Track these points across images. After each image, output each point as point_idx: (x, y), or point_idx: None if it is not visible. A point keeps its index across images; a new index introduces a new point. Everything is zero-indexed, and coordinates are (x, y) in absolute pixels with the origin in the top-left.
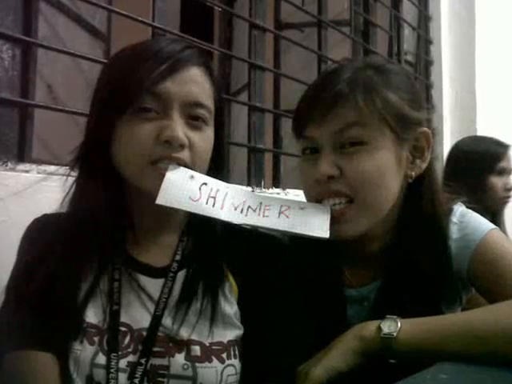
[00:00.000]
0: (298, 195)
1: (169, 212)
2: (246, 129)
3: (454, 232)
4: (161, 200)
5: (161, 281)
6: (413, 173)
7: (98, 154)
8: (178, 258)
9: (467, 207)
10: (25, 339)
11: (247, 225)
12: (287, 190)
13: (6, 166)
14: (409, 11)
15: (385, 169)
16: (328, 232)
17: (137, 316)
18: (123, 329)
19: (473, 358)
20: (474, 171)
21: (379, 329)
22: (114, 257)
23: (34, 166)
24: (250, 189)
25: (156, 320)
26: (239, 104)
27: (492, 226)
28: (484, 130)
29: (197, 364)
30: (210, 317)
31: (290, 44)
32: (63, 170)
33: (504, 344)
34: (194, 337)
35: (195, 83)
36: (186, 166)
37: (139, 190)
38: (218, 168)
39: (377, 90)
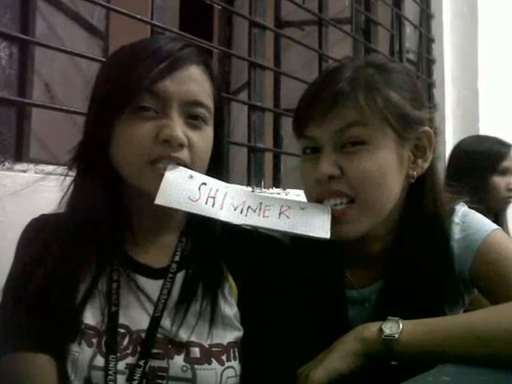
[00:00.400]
0: (299, 195)
1: (168, 212)
2: (245, 128)
3: (456, 232)
4: (160, 200)
5: (160, 282)
6: (414, 173)
7: (97, 154)
8: (177, 258)
9: (469, 207)
10: (22, 341)
11: (247, 225)
12: (287, 190)
13: (4, 165)
14: (410, 9)
15: (386, 168)
16: (329, 232)
17: (135, 317)
18: (122, 330)
19: (475, 359)
20: (477, 171)
21: (381, 330)
22: (113, 257)
23: (31, 166)
24: (249, 189)
25: (155, 321)
26: (239, 103)
27: (495, 226)
28: (486, 129)
29: (196, 366)
30: (209, 318)
31: (290, 42)
32: (61, 169)
33: (506, 345)
34: (193, 338)
35: (194, 82)
36: (185, 165)
37: (138, 190)
38: (217, 168)
39: (378, 88)
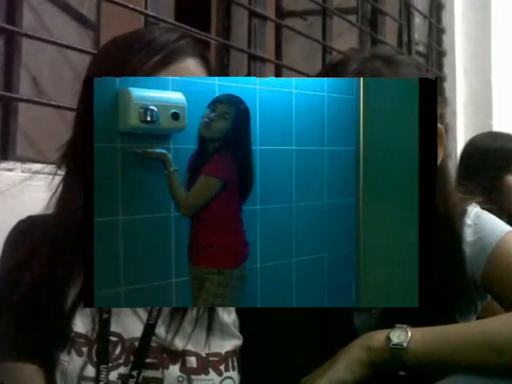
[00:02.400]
0: None
1: None
2: None
3: (469, 235)
4: None
5: None
6: None
7: (87, 152)
8: None
9: (482, 208)
10: (8, 350)
11: None
12: None
13: None
14: None
15: None
16: None
17: (128, 325)
18: (114, 339)
19: (487, 370)
20: (490, 170)
21: (388, 339)
22: None
23: (18, 164)
24: None
25: (149, 329)
26: None
27: (509, 228)
28: (500, 125)
29: (192, 376)
30: (206, 326)
31: (292, 33)
32: (49, 168)
33: None
34: (189, 347)
35: (191, 75)
36: None
37: None
38: None
39: None
